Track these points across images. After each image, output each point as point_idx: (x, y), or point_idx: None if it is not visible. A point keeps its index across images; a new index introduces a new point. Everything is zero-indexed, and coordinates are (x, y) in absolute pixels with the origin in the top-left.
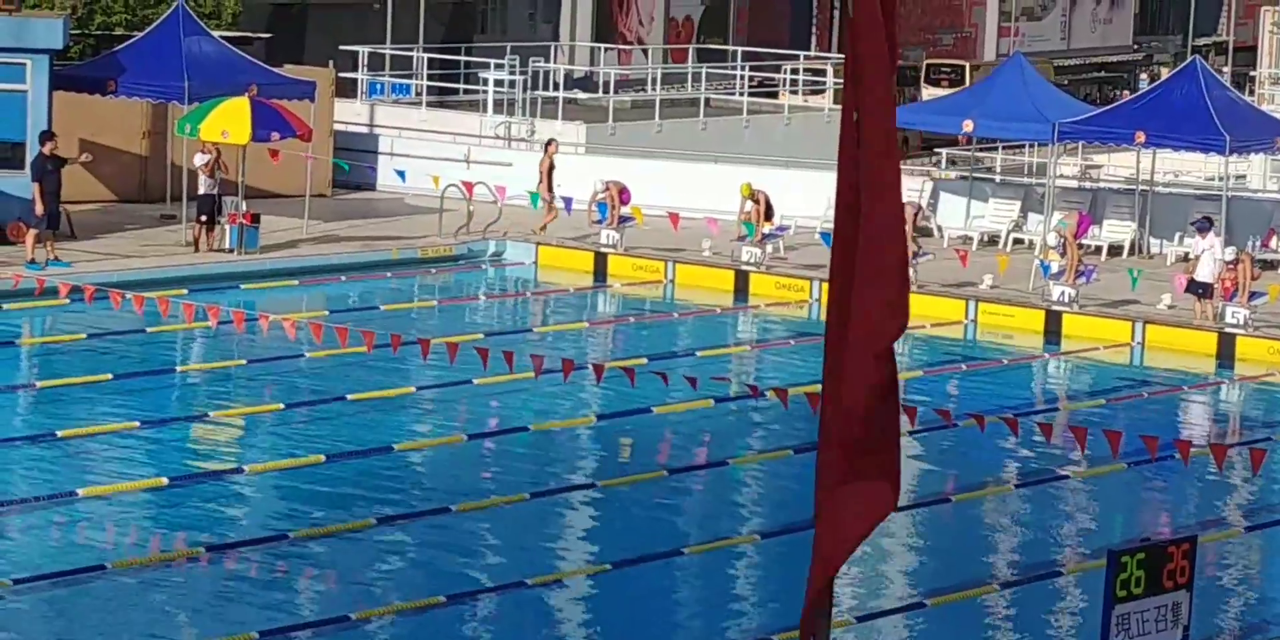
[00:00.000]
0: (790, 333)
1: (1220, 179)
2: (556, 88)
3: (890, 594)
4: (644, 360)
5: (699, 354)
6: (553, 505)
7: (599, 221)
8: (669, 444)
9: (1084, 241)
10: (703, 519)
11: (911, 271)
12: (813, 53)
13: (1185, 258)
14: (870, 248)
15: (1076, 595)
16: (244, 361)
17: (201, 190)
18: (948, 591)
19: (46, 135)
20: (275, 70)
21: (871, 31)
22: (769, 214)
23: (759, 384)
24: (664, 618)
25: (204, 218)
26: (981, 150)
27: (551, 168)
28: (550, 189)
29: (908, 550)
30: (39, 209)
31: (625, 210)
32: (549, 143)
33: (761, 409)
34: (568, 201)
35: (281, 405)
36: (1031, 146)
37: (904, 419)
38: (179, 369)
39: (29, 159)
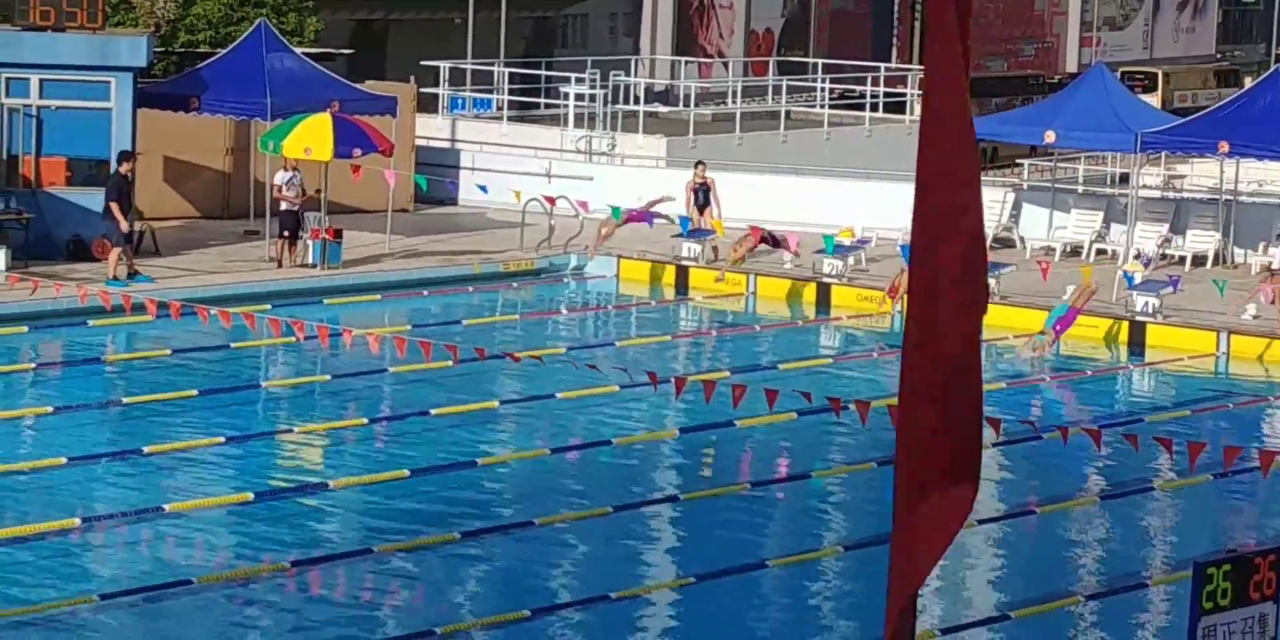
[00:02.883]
0: (872, 345)
1: None
2: (637, 101)
3: (974, 606)
4: (726, 373)
5: (781, 367)
6: (636, 518)
7: (680, 235)
8: (751, 457)
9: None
10: (786, 532)
11: (993, 282)
12: (894, 64)
13: (1269, 267)
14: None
15: (1162, 607)
16: (328, 377)
17: (283, 206)
18: (1032, 604)
19: (126, 155)
20: (357, 86)
21: (946, 41)
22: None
23: (841, 396)
24: (748, 631)
25: (286, 233)
26: (1063, 161)
27: (698, 188)
28: (701, 210)
29: (991, 562)
30: (123, 226)
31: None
32: (697, 164)
33: (844, 422)
34: (649, 216)
35: (365, 420)
36: (1114, 157)
37: (989, 431)
38: (263, 384)
39: None
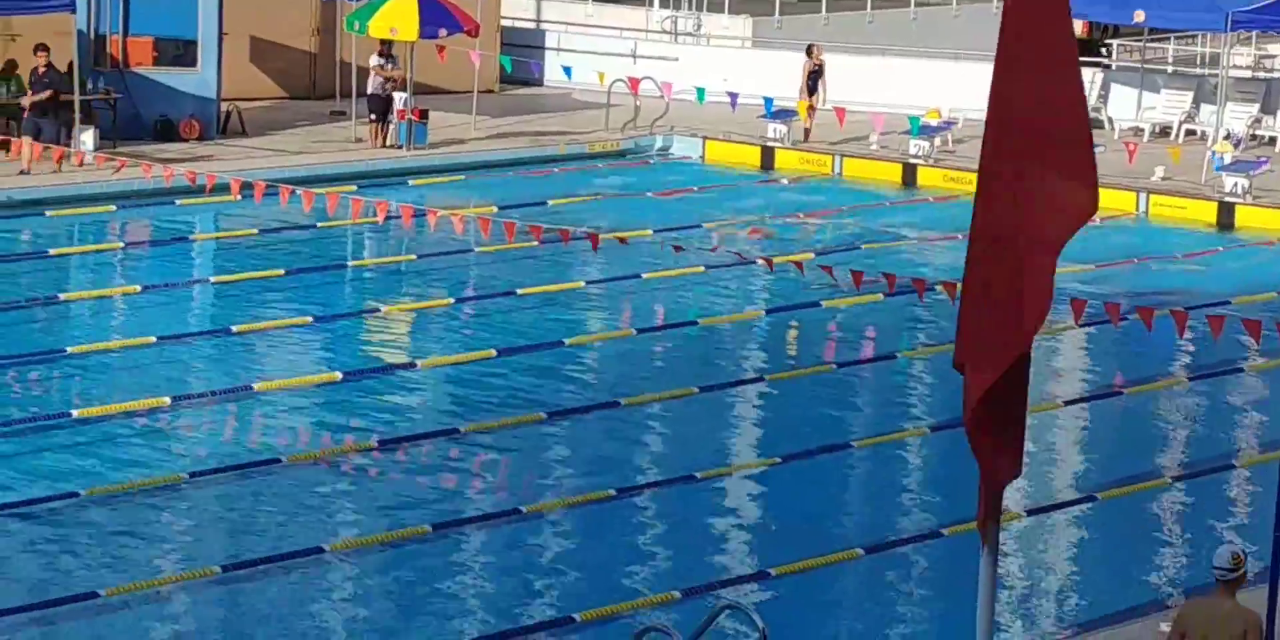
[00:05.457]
0: (958, 226)
1: None
2: None
3: (1061, 487)
4: (811, 254)
5: (865, 247)
6: (721, 399)
7: (765, 115)
8: (837, 337)
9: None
10: (871, 412)
11: None
12: None
13: None
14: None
15: (1249, 489)
16: (414, 256)
17: (370, 89)
18: (1119, 485)
19: (39, 47)
20: None
21: None
22: None
23: (926, 277)
24: (833, 511)
25: (374, 116)
26: (1153, 40)
27: (813, 72)
28: (811, 93)
29: (1079, 444)
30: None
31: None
32: (810, 47)
33: (929, 302)
34: (734, 97)
35: (451, 300)
36: (1204, 36)
37: (1070, 312)
38: (350, 264)
39: (201, 58)
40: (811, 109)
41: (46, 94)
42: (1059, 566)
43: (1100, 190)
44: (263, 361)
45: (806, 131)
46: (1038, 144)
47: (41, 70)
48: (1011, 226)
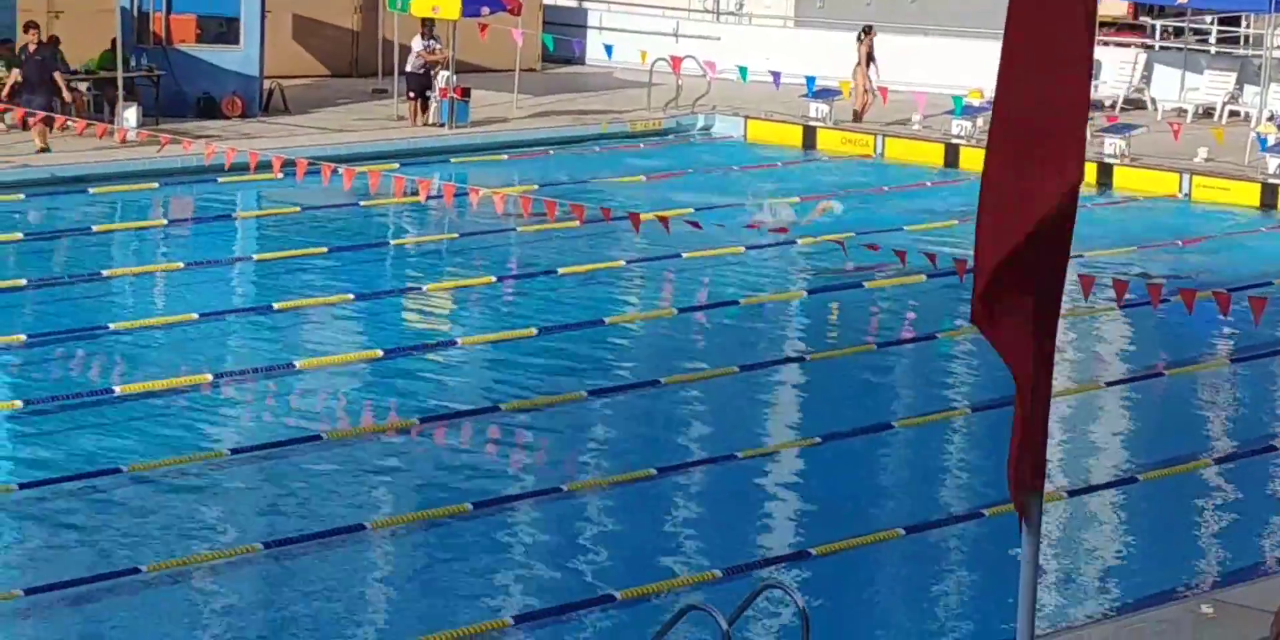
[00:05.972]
0: None
1: None
2: None
3: (1102, 468)
4: (852, 234)
5: (907, 228)
6: (762, 378)
7: (806, 95)
8: (878, 317)
9: None
10: (912, 392)
11: (1123, 143)
12: None
13: None
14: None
15: None
16: (455, 235)
17: (409, 68)
18: (1160, 467)
19: (30, 25)
20: None
21: None
22: None
23: (968, 258)
24: (874, 490)
25: (412, 94)
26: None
27: (869, 55)
28: (866, 75)
29: (1120, 424)
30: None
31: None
32: (867, 29)
33: (970, 283)
34: (776, 76)
35: (493, 278)
36: (1248, 16)
37: (1114, 293)
38: (391, 242)
39: (243, 35)
40: (866, 91)
41: (59, 78)
42: (1100, 548)
43: (1144, 171)
44: (304, 339)
45: (857, 112)
46: (1037, 141)
47: (32, 48)
48: (1009, 224)
